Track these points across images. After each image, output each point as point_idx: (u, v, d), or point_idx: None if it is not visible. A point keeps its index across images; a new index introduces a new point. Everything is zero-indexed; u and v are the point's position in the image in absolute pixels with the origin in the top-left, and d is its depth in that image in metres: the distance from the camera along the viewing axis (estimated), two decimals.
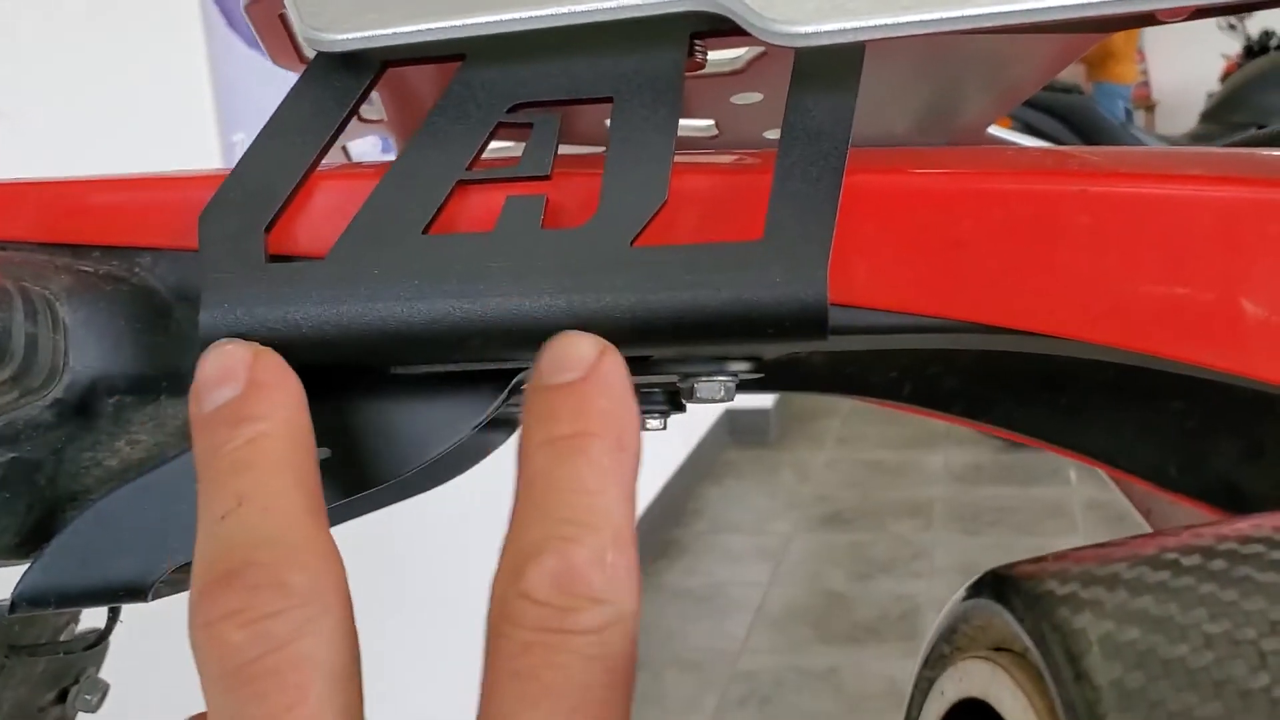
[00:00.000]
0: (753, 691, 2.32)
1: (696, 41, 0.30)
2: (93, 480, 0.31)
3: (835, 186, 0.27)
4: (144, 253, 0.32)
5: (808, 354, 0.45)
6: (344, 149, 0.48)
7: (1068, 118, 3.33)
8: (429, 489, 0.43)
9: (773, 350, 0.31)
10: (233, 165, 0.30)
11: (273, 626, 0.23)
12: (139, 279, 0.32)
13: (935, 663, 0.26)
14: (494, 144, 0.31)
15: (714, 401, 0.32)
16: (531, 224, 0.28)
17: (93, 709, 0.43)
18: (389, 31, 0.28)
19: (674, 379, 0.32)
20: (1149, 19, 0.30)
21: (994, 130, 0.47)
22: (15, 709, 0.41)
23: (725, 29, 0.28)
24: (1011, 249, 0.29)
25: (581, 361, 0.25)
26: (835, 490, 3.32)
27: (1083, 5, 0.26)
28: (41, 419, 0.30)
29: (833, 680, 2.30)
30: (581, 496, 0.24)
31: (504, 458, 0.48)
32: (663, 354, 0.30)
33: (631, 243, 0.27)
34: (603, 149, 0.29)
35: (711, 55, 0.35)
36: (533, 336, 0.27)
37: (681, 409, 0.39)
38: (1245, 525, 0.22)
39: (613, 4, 0.28)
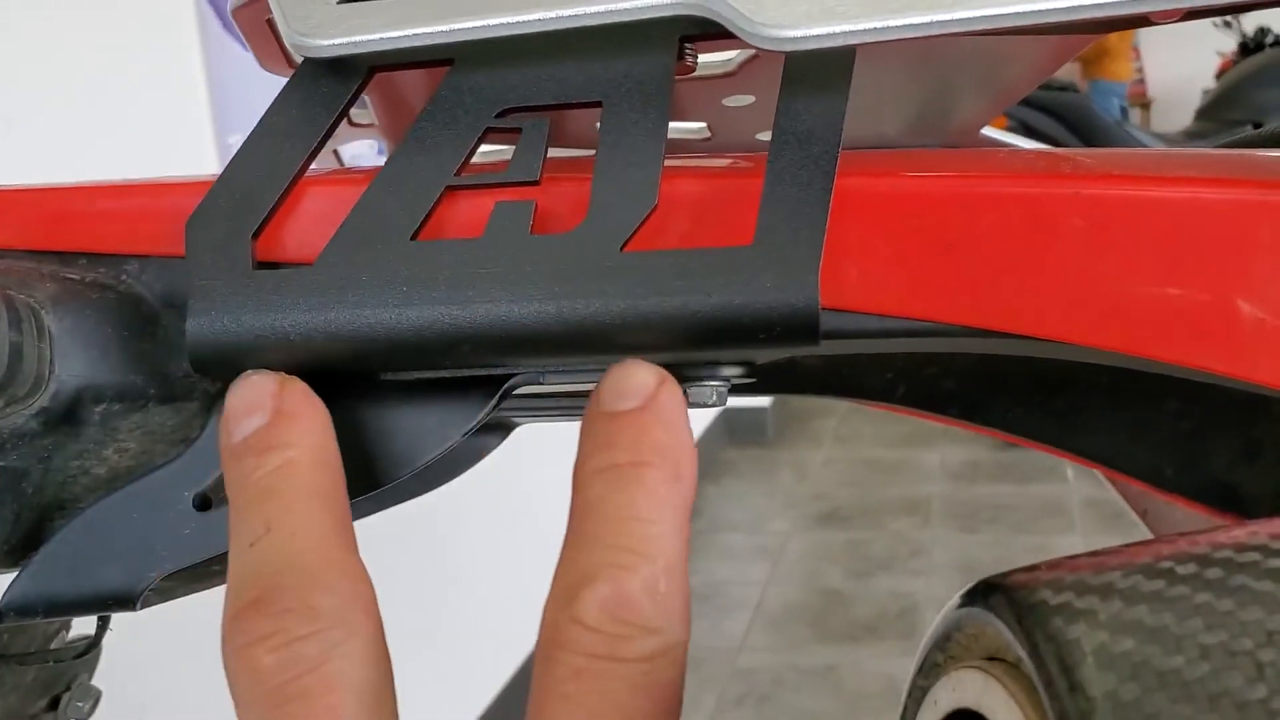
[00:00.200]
0: (751, 690, 2.32)
1: (686, 45, 0.30)
2: (81, 489, 0.31)
3: (826, 190, 0.27)
4: (131, 260, 0.32)
5: (802, 357, 0.45)
6: (335, 153, 0.48)
7: (1063, 116, 3.33)
8: (421, 494, 0.43)
9: (764, 355, 0.30)
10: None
11: (303, 649, 0.24)
12: (126, 286, 0.31)
13: (929, 671, 0.26)
14: (485, 148, 0.31)
15: (705, 406, 0.32)
16: (520, 229, 0.28)
17: (84, 716, 0.43)
18: (375, 37, 0.28)
19: None
20: (1142, 21, 0.29)
21: (988, 131, 0.47)
22: (6, 717, 0.40)
23: (715, 33, 0.28)
24: (1004, 252, 0.28)
25: (641, 390, 0.26)
26: (833, 489, 3.31)
27: (1075, 8, 0.26)
28: (28, 428, 0.29)
29: (831, 679, 2.30)
30: (636, 525, 0.24)
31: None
32: (653, 359, 0.29)
33: (621, 248, 0.27)
34: (593, 152, 0.28)
35: (703, 58, 0.35)
36: (522, 343, 0.27)
37: None
38: (1241, 533, 0.22)
39: (601, 8, 0.28)
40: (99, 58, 1.25)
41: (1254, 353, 0.28)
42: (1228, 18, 4.32)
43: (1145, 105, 6.79)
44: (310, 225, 0.30)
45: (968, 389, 0.45)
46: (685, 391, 0.31)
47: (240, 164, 0.29)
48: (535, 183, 0.29)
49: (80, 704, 0.43)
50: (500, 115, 0.29)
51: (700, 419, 3.44)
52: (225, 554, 0.31)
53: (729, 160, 0.35)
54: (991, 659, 0.23)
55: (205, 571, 0.37)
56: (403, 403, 0.30)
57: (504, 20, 0.28)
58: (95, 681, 0.44)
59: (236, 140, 1.45)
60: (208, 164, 1.39)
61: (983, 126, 0.46)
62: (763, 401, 3.70)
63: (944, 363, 0.45)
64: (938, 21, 0.26)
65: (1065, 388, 0.44)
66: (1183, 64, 5.91)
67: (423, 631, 1.63)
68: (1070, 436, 0.44)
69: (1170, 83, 6.54)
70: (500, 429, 0.46)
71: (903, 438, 3.59)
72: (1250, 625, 0.19)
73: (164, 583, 0.31)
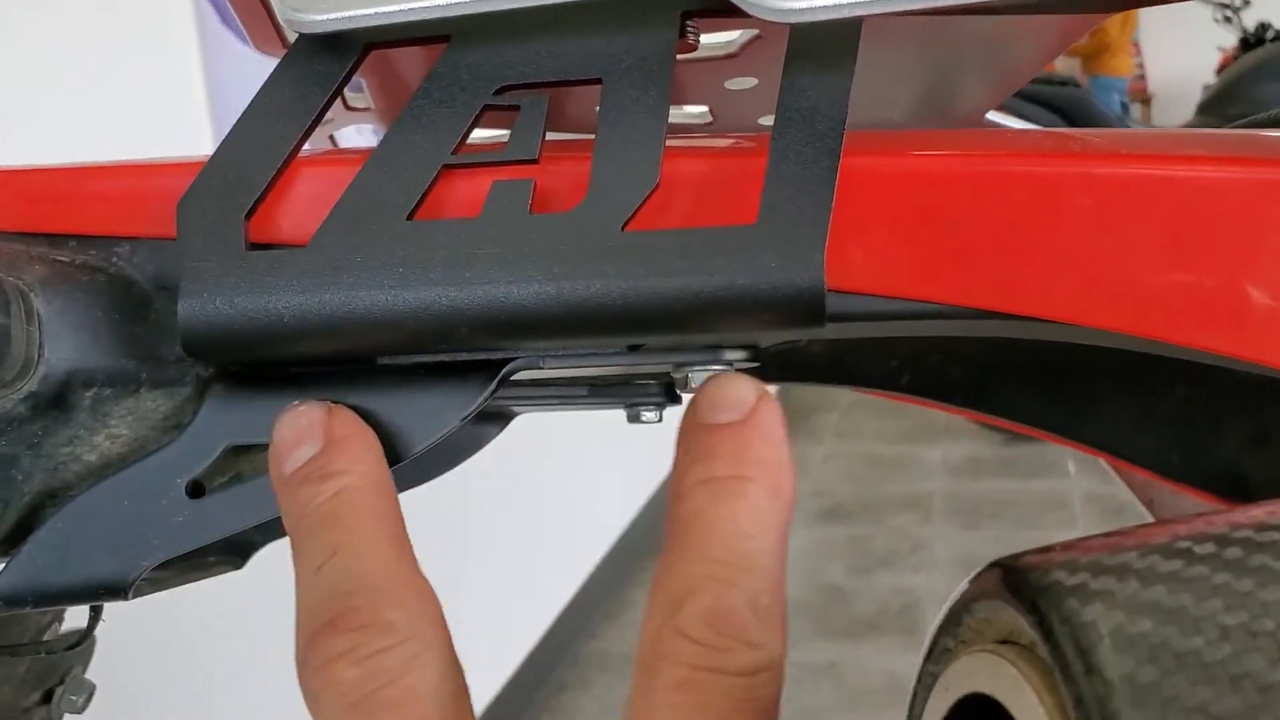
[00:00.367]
0: None
1: (688, 21, 0.29)
2: (72, 475, 0.30)
3: (832, 169, 0.26)
4: (122, 242, 0.31)
5: (806, 343, 0.44)
6: (331, 138, 0.47)
7: (1064, 111, 3.32)
8: (419, 484, 0.42)
9: (769, 338, 0.30)
10: None
11: (384, 661, 0.24)
12: (117, 269, 0.31)
13: (939, 657, 0.25)
14: (488, 131, 0.30)
15: None
16: (519, 209, 0.27)
17: (78, 710, 0.43)
18: (370, 11, 0.28)
19: (667, 368, 0.31)
20: None
21: (993, 115, 0.47)
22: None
23: (717, 8, 0.27)
24: (1012, 233, 0.28)
25: (741, 404, 0.26)
26: (834, 484, 3.31)
27: None
28: (16, 412, 0.29)
29: (832, 675, 2.29)
30: (737, 540, 0.24)
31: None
32: (656, 342, 0.29)
33: (622, 228, 0.26)
34: (592, 136, 0.28)
35: (705, 39, 0.34)
36: (521, 325, 0.27)
37: (677, 400, 0.38)
38: (1260, 512, 0.21)
39: None
40: (96, 55, 1.24)
41: (1264, 334, 0.27)
42: (1228, 12, 4.32)
43: (1146, 101, 6.78)
44: (304, 206, 0.29)
45: (972, 376, 0.44)
46: (688, 377, 0.31)
47: (232, 144, 0.29)
48: (534, 161, 0.28)
49: (74, 697, 0.42)
50: (498, 93, 0.29)
51: None
52: (219, 542, 0.30)
53: (731, 139, 0.34)
54: (1004, 642, 0.23)
55: (200, 561, 0.37)
56: (399, 387, 0.30)
57: None
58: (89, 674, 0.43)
59: None
60: None
61: (988, 111, 0.46)
62: None
63: (948, 350, 0.44)
64: None
65: (1070, 375, 0.43)
66: (1183, 59, 5.90)
67: None
68: (1075, 424, 0.43)
69: (1171, 78, 6.54)
70: (499, 417, 0.46)
71: (904, 433, 3.58)
72: (1272, 605, 0.19)
73: (157, 572, 0.30)
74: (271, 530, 0.38)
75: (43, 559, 0.30)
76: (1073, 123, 3.32)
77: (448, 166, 0.28)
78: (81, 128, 1.19)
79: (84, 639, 0.41)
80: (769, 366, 0.44)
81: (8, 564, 0.30)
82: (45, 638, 0.41)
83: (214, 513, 0.30)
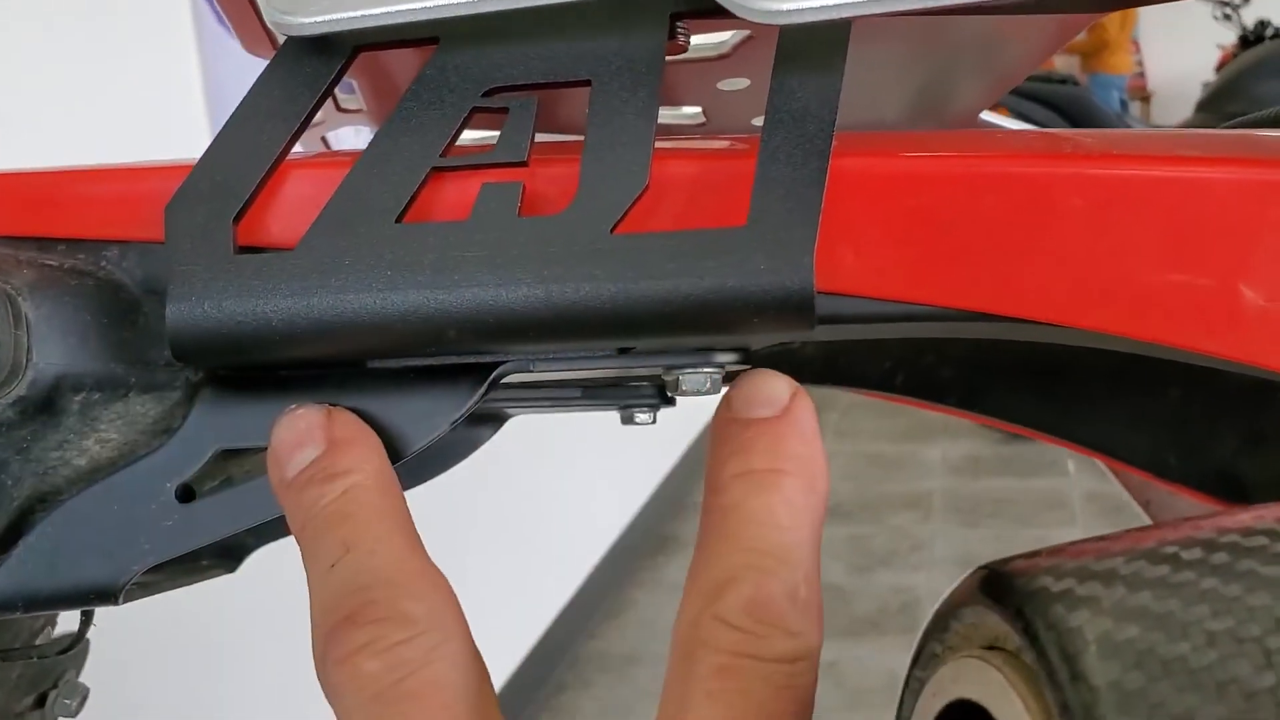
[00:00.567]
0: None
1: (678, 22, 0.29)
2: (61, 480, 0.30)
3: (821, 170, 0.26)
4: (111, 245, 0.31)
5: (799, 345, 0.44)
6: (324, 140, 0.47)
7: (1063, 109, 3.32)
8: (411, 487, 0.42)
9: (759, 340, 0.30)
10: None
11: (405, 652, 0.24)
12: (106, 272, 0.31)
13: (926, 662, 0.25)
14: (477, 133, 0.30)
15: (700, 394, 0.31)
16: (508, 211, 0.27)
17: (72, 714, 0.43)
18: (357, 14, 0.28)
19: (658, 371, 0.31)
20: None
21: (987, 115, 0.46)
22: None
23: (706, 9, 0.27)
24: (1004, 234, 0.28)
25: (775, 400, 0.27)
26: (834, 483, 3.25)
27: None
28: (4, 417, 0.29)
29: (833, 674, 2.29)
30: (775, 532, 0.25)
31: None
32: (646, 345, 0.29)
33: (611, 230, 0.26)
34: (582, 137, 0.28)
35: (696, 40, 0.34)
36: (510, 328, 0.27)
37: (671, 402, 0.38)
38: (1247, 517, 0.21)
39: None
40: (94, 56, 1.24)
41: (1259, 336, 0.27)
42: (1227, 10, 4.31)
43: (1145, 98, 6.78)
44: (292, 209, 0.29)
45: (967, 377, 0.44)
46: (679, 379, 0.31)
47: (221, 147, 0.29)
48: (523, 163, 0.28)
49: (68, 701, 0.42)
50: (487, 94, 0.29)
51: (701, 413, 3.44)
52: (211, 545, 0.30)
53: (722, 141, 0.34)
54: (991, 648, 0.23)
55: (192, 565, 0.37)
56: (389, 391, 0.30)
57: None
58: (82, 678, 0.43)
59: None
60: None
61: (981, 111, 0.46)
62: None
63: (943, 351, 0.44)
64: None
65: (1065, 375, 0.43)
66: (1182, 57, 5.90)
67: None
68: (1071, 425, 0.43)
69: (1170, 76, 6.54)
70: (492, 419, 0.46)
71: (903, 432, 3.58)
72: (1258, 611, 0.19)
73: (147, 576, 0.30)
74: (264, 533, 0.37)
75: (32, 564, 0.30)
76: (1072, 120, 3.32)
77: (436, 169, 0.28)
78: (79, 129, 1.19)
79: (77, 642, 0.41)
80: (761, 367, 0.44)
81: None
82: (38, 642, 0.40)
83: (204, 517, 0.30)
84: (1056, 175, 0.28)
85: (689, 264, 0.26)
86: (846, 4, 0.25)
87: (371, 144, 0.28)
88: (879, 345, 0.44)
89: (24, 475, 0.30)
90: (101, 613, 0.37)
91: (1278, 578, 0.19)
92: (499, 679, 2.01)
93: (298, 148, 0.30)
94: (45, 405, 0.29)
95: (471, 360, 0.29)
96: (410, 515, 0.28)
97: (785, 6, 0.25)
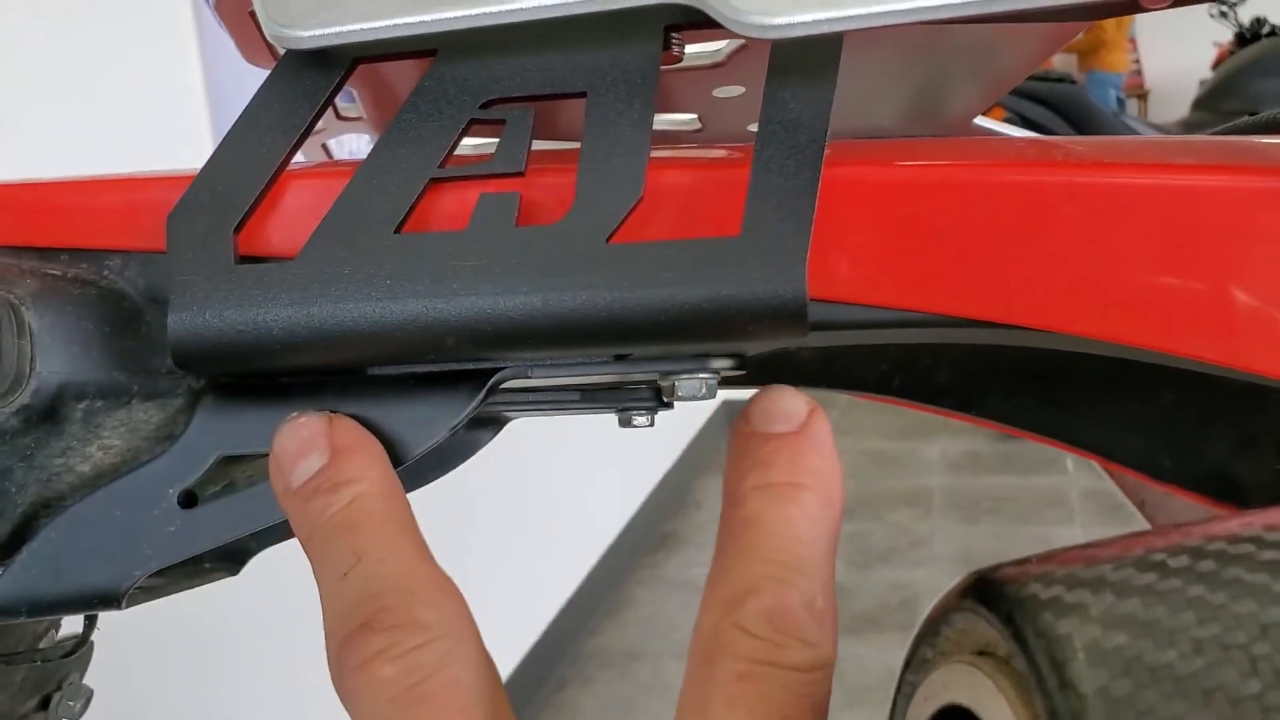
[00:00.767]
0: None
1: (672, 35, 0.29)
2: (65, 487, 0.31)
3: (813, 180, 0.26)
4: (113, 255, 0.31)
5: (795, 349, 0.44)
6: (325, 148, 0.48)
7: (1060, 107, 3.32)
8: (410, 491, 0.42)
9: (754, 347, 0.30)
10: None
11: (420, 657, 0.25)
12: (108, 282, 0.31)
13: (918, 667, 0.25)
14: (474, 140, 0.30)
15: (696, 399, 0.32)
16: (505, 221, 0.28)
17: (76, 716, 0.43)
18: (356, 27, 0.28)
19: (655, 376, 0.32)
20: (1134, 6, 0.29)
21: (981, 121, 0.47)
22: None
23: (700, 21, 0.27)
24: (996, 242, 0.28)
25: (794, 416, 0.27)
26: None
27: None
28: (8, 425, 0.29)
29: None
30: (794, 544, 0.25)
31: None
32: (642, 352, 0.29)
33: (607, 240, 0.27)
34: (579, 144, 0.28)
35: (692, 48, 0.34)
36: (508, 336, 0.27)
37: (669, 406, 0.38)
38: (1234, 524, 0.21)
39: None
40: (95, 56, 1.24)
41: (1251, 341, 0.28)
42: (1223, 7, 4.31)
43: (1142, 96, 6.77)
44: (292, 219, 0.30)
45: (963, 380, 0.44)
46: (676, 385, 0.31)
47: (222, 158, 0.29)
48: (520, 174, 0.29)
49: (72, 703, 0.43)
50: (484, 106, 0.29)
51: (700, 412, 3.44)
52: (213, 550, 0.31)
53: (716, 151, 0.35)
54: (981, 654, 0.23)
55: (195, 569, 0.37)
56: (389, 397, 0.30)
57: (487, 10, 0.27)
58: (86, 680, 0.44)
59: None
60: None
61: (975, 116, 0.46)
62: None
63: (939, 354, 0.44)
64: (925, 8, 0.25)
65: (1061, 378, 0.43)
66: (1179, 55, 5.89)
67: None
68: (1066, 427, 0.44)
69: (1167, 73, 6.53)
70: (492, 423, 0.46)
71: (903, 430, 3.58)
72: (1244, 618, 0.19)
73: (150, 580, 0.31)
74: (266, 537, 0.38)
75: (37, 569, 0.30)
76: (1068, 118, 3.32)
77: (434, 180, 0.28)
78: (78, 129, 1.20)
79: (80, 646, 0.41)
80: (759, 371, 0.44)
81: (2, 574, 0.30)
82: (41, 645, 0.41)
83: (206, 522, 0.30)
84: (1048, 183, 0.28)
85: (684, 273, 0.26)
86: (837, 18, 0.25)
87: (370, 155, 0.29)
88: (876, 349, 0.44)
89: (28, 482, 0.30)
90: (105, 616, 0.37)
91: (1263, 585, 0.20)
92: (501, 677, 2.01)
93: (298, 156, 0.30)
94: (49, 413, 0.30)
95: (470, 367, 0.29)
96: (415, 520, 0.28)
97: (777, 21, 0.25)
